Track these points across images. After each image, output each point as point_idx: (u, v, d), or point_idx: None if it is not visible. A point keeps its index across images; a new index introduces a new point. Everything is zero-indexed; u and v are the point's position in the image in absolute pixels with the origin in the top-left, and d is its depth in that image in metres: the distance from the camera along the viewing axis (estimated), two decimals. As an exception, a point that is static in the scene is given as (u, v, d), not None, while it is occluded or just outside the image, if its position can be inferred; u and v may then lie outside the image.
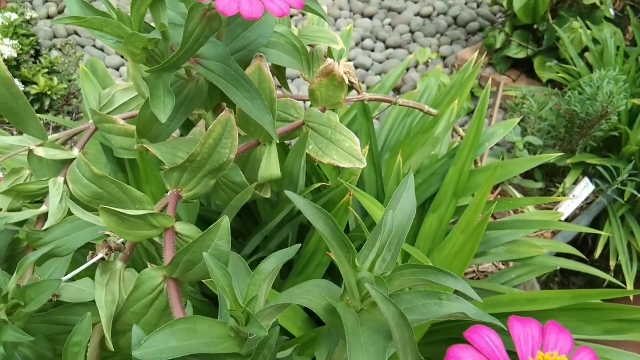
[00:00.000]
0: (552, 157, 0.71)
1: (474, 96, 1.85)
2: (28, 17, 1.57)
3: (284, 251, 0.34)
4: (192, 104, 0.49)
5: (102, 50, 1.99)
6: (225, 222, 0.37)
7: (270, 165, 0.53)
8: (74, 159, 0.60)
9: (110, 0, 0.42)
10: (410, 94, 1.06)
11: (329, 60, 0.60)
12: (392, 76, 0.95)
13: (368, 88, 1.89)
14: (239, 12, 0.30)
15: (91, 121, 0.63)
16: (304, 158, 0.55)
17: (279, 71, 0.66)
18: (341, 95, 0.61)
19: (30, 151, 0.58)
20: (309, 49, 0.66)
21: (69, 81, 1.40)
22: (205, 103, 0.53)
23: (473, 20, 2.17)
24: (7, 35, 1.32)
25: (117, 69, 1.91)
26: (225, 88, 0.41)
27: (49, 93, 1.26)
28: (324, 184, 0.57)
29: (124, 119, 0.63)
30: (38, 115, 0.60)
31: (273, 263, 0.34)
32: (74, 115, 1.34)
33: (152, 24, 0.46)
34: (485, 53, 1.89)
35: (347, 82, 0.62)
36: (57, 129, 1.29)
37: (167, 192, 0.48)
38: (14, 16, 1.49)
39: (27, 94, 1.28)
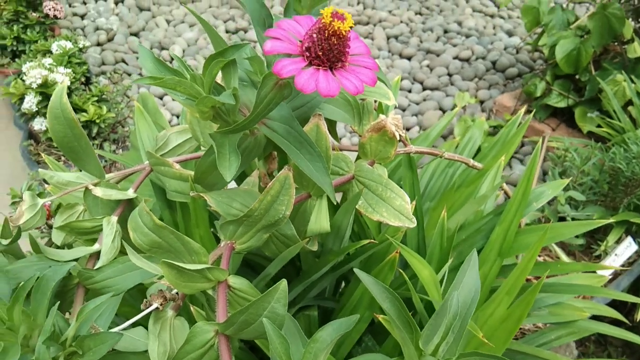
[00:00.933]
0: (604, 222, 0.69)
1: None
2: (81, 45, 1.65)
3: (342, 321, 0.34)
4: (250, 156, 0.50)
5: (147, 78, 2.06)
6: (283, 286, 0.37)
7: (320, 219, 0.53)
8: (129, 199, 0.62)
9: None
10: (452, 142, 1.06)
11: (381, 117, 0.61)
12: (438, 127, 0.95)
13: (407, 130, 1.91)
14: (317, 90, 0.31)
15: (146, 162, 0.65)
16: (353, 214, 0.55)
17: (330, 124, 0.67)
18: (391, 151, 0.62)
19: (87, 189, 0.60)
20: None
21: (116, 109, 1.45)
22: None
23: (512, 66, 2.17)
24: (62, 64, 1.39)
25: (161, 98, 1.97)
26: (288, 149, 0.42)
27: (97, 121, 1.31)
28: (371, 241, 0.57)
29: (178, 162, 0.65)
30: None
31: (331, 333, 0.34)
32: (120, 144, 1.38)
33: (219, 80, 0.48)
34: (524, 99, 1.88)
35: (394, 129, 0.63)
36: (101, 157, 1.33)
37: (220, 242, 0.49)
38: (69, 44, 1.56)
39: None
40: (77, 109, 1.36)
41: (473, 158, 0.94)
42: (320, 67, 0.32)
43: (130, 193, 0.61)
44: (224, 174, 0.40)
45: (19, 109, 1.33)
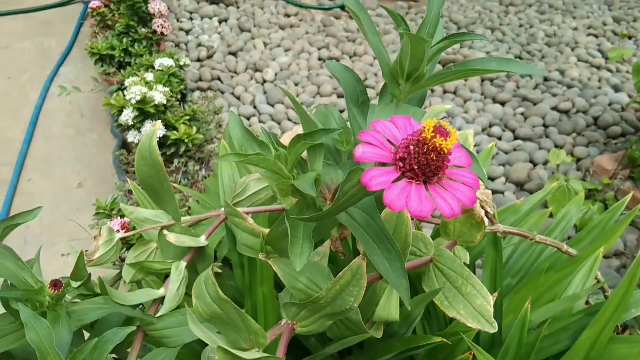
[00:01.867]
0: None
1: (605, 205, 1.68)
2: (182, 63, 1.73)
3: None
4: (324, 231, 0.48)
5: (238, 98, 2.13)
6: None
7: (389, 307, 0.50)
8: (201, 247, 0.62)
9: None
10: (543, 213, 0.98)
11: (471, 198, 0.56)
12: (530, 202, 0.87)
13: (492, 180, 1.81)
14: (406, 208, 0.28)
15: (222, 210, 0.65)
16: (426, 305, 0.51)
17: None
18: (477, 235, 0.57)
19: (162, 233, 0.60)
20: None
21: (206, 129, 1.50)
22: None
23: (616, 124, 2.01)
24: (161, 82, 1.45)
25: (248, 119, 2.02)
26: (365, 242, 0.39)
27: (186, 140, 1.35)
28: (443, 340, 0.52)
29: (253, 213, 0.64)
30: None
31: None
32: (204, 163, 1.42)
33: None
34: (626, 163, 1.72)
35: (483, 214, 0.58)
36: (177, 170, 1.37)
37: (281, 320, 0.47)
38: (170, 62, 1.64)
39: (167, 137, 1.39)
40: (170, 126, 1.42)
41: (567, 240, 0.86)
42: (414, 181, 0.29)
43: (203, 241, 0.61)
44: (295, 261, 0.38)
45: (117, 119, 1.41)
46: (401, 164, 0.29)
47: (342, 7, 2.94)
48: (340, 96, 2.17)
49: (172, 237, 0.58)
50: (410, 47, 0.38)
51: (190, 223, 0.65)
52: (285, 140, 0.79)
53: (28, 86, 2.06)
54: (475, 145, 1.99)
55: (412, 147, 0.29)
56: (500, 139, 2.01)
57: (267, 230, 0.58)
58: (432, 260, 0.54)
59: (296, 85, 2.23)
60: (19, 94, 2.01)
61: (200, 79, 2.21)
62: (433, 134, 0.28)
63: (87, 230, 1.34)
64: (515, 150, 1.96)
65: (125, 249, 0.92)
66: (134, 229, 0.82)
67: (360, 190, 0.35)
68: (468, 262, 0.56)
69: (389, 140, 0.31)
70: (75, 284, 0.49)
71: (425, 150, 0.29)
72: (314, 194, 0.36)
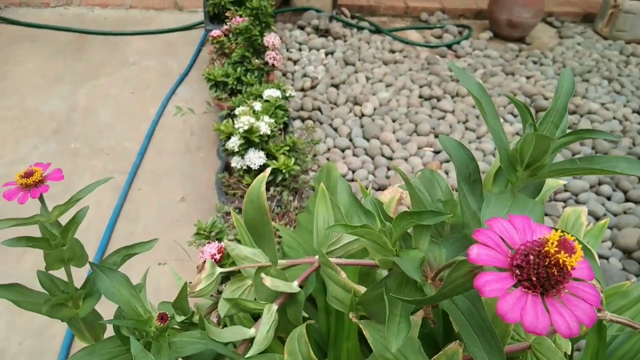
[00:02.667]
0: None
1: None
2: (287, 94, 1.80)
3: None
4: (418, 307, 0.47)
5: (335, 130, 2.17)
6: None
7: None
8: (294, 293, 0.64)
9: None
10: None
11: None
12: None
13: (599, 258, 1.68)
14: (520, 321, 0.27)
15: (316, 257, 0.66)
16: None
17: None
18: (582, 327, 0.53)
19: (258, 275, 0.63)
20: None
21: (303, 160, 1.54)
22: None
23: None
24: (268, 113, 1.53)
25: (343, 150, 2.05)
26: (464, 331, 0.38)
27: (283, 170, 1.40)
28: None
29: (345, 265, 0.65)
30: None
31: None
32: (298, 194, 1.46)
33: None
34: None
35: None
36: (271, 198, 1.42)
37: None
38: (277, 93, 1.72)
39: (266, 165, 1.45)
40: (270, 156, 1.48)
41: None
42: (530, 292, 0.28)
43: (295, 287, 0.63)
44: (390, 340, 0.38)
45: (224, 144, 1.50)
46: (518, 272, 0.29)
47: (449, 46, 2.91)
48: (437, 135, 2.14)
49: (267, 281, 0.60)
50: (534, 140, 0.37)
51: (285, 266, 0.67)
52: (384, 198, 0.80)
53: (148, 101, 2.26)
54: (580, 204, 1.87)
55: (531, 257, 0.28)
56: (609, 198, 1.87)
57: (358, 287, 0.58)
58: (531, 347, 0.52)
59: (394, 121, 2.24)
60: (140, 108, 2.21)
61: (302, 108, 2.29)
62: (557, 249, 0.27)
63: (183, 247, 1.42)
64: (625, 213, 1.81)
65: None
66: (228, 256, 0.87)
67: (467, 282, 0.34)
68: (570, 352, 0.53)
69: (504, 241, 0.30)
70: (179, 318, 0.52)
71: (546, 263, 0.28)
72: (418, 279, 0.36)
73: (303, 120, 2.22)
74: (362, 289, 0.56)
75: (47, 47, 2.54)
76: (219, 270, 0.65)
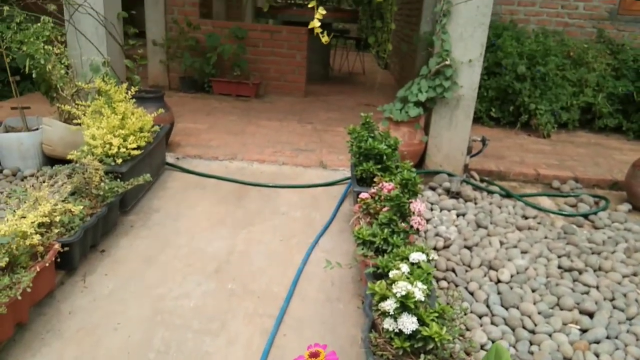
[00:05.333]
0: None
1: None
2: (430, 258, 1.90)
3: None
4: None
5: (471, 294, 2.19)
6: None
7: None
8: None
9: None
10: None
11: None
12: None
13: None
14: None
15: None
16: None
17: None
18: None
19: None
20: None
21: (451, 327, 1.58)
22: None
23: None
24: (420, 278, 1.63)
25: (480, 317, 2.05)
26: None
27: (436, 339, 1.45)
28: None
29: None
30: None
31: None
32: (444, 364, 1.48)
33: None
34: None
35: None
36: (429, 371, 1.44)
37: None
38: (423, 257, 1.83)
39: (417, 332, 1.51)
40: (420, 321, 1.55)
41: None
42: None
43: None
44: None
45: (376, 304, 1.60)
46: None
47: (585, 216, 2.90)
48: (582, 312, 2.06)
49: None
50: None
51: None
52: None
53: (294, 249, 2.48)
54: None
55: None
56: None
57: None
58: None
59: (533, 291, 2.21)
60: (287, 255, 2.44)
61: (436, 267, 2.36)
62: None
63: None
64: None
65: None
66: None
67: None
68: None
69: None
70: None
71: None
72: None
73: (437, 280, 2.28)
74: None
75: (214, 195, 2.96)
76: None
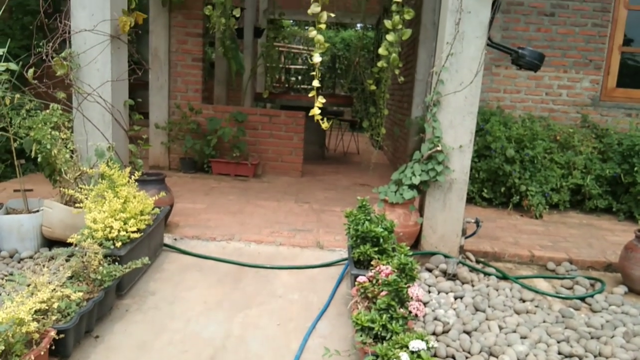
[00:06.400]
0: None
1: None
2: (430, 346, 1.89)
3: None
4: None
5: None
6: None
7: None
8: None
9: None
10: None
11: None
12: None
13: None
14: None
15: None
16: None
17: None
18: None
19: None
20: None
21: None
22: None
23: None
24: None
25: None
26: None
27: None
28: None
29: None
30: None
31: None
32: None
33: None
34: None
35: None
36: None
37: None
38: (422, 345, 1.82)
39: None
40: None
41: None
42: None
43: None
44: None
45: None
46: None
47: (582, 299, 2.90)
48: (585, 402, 2.01)
49: None
50: None
51: None
52: None
53: (292, 334, 2.45)
54: None
55: None
56: None
57: None
58: None
59: (534, 379, 2.17)
60: (284, 341, 2.40)
61: (436, 354, 2.32)
62: None
63: None
64: None
65: None
66: None
67: None
68: None
69: None
70: None
71: None
72: None
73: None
74: None
75: (211, 276, 2.96)
76: None
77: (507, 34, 5.15)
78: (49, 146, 2.95)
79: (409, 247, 3.21)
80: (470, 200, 4.63)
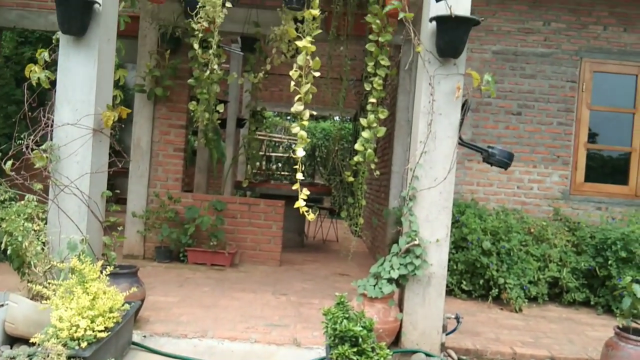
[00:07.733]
0: None
1: None
2: None
3: None
4: None
5: None
6: None
7: None
8: None
9: None
10: None
11: None
12: None
13: None
14: None
15: None
16: None
17: None
18: None
19: None
20: None
21: None
22: None
23: None
24: None
25: None
26: None
27: None
28: None
29: None
30: None
31: None
32: None
33: None
34: None
35: None
36: None
37: None
38: None
39: None
40: None
41: None
42: None
43: None
44: None
45: None
46: None
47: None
48: None
49: None
50: None
51: None
52: None
53: None
54: None
55: None
56: None
57: None
58: None
59: None
60: None
61: None
62: None
63: None
64: None
65: None
66: None
67: None
68: None
69: None
70: None
71: None
72: None
73: None
74: None
75: (180, 379, 2.79)
76: None
77: (478, 131, 5.41)
78: (20, 238, 2.88)
79: (388, 346, 3.11)
80: (450, 292, 4.59)
